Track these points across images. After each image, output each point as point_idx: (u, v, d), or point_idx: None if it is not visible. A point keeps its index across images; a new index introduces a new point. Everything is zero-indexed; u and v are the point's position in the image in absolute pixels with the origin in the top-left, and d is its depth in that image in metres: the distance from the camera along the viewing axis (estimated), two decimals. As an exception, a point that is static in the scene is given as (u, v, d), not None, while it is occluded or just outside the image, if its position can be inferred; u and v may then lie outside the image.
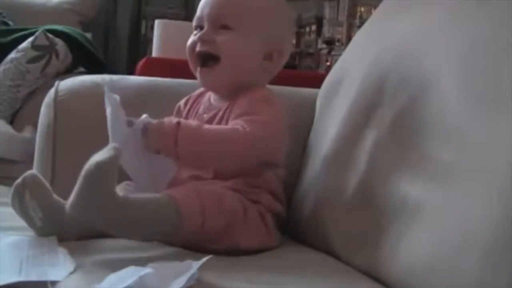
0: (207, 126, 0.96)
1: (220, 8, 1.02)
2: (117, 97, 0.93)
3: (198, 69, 1.03)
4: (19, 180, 0.91)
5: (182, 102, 1.12)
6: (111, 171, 0.82)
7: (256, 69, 1.04)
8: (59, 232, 0.91)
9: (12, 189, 0.91)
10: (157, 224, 0.87)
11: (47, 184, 0.93)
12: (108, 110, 0.93)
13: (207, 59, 1.02)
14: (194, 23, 1.05)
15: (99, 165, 0.81)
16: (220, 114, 1.02)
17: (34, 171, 0.93)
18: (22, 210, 0.91)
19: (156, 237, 0.90)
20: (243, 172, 0.99)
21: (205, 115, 1.04)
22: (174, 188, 0.92)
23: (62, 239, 0.90)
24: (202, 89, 1.11)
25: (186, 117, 1.08)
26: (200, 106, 1.08)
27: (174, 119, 0.94)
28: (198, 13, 1.04)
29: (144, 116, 0.94)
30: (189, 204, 0.88)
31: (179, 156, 0.92)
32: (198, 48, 1.02)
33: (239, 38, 1.01)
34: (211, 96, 1.08)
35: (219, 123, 1.01)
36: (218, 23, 1.01)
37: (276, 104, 1.01)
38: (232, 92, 1.03)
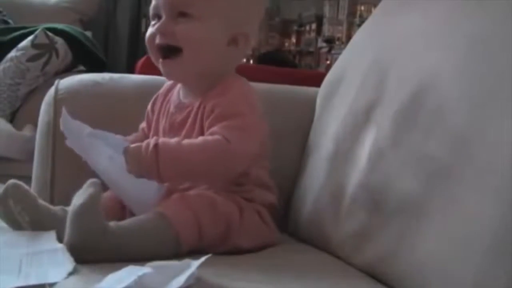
0: (186, 141, 0.91)
1: None
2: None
3: (160, 60, 0.99)
4: (0, 190, 0.90)
5: (149, 106, 1.08)
6: (95, 208, 0.81)
7: (222, 56, 0.99)
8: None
9: None
10: (154, 246, 0.85)
11: (31, 191, 0.92)
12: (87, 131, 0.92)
13: (169, 51, 0.97)
14: (150, 11, 0.99)
15: (82, 207, 0.81)
16: (193, 112, 0.98)
17: (15, 180, 0.91)
18: (8, 216, 0.89)
19: (156, 258, 0.89)
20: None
21: (177, 116, 1.00)
22: (163, 202, 0.90)
23: None
24: (168, 84, 1.07)
25: (158, 119, 1.04)
26: (170, 104, 1.03)
27: (151, 141, 0.89)
28: (153, 1, 0.98)
29: (118, 137, 0.93)
30: (183, 219, 0.87)
31: (164, 178, 0.89)
32: (157, 41, 0.97)
33: (199, 25, 0.95)
34: (180, 92, 1.03)
35: (193, 123, 0.97)
36: (176, 10, 0.95)
37: (251, 97, 0.97)
38: (200, 82, 0.99)
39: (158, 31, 0.96)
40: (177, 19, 0.96)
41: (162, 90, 1.07)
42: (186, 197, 0.90)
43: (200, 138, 0.92)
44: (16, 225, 0.89)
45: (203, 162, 0.90)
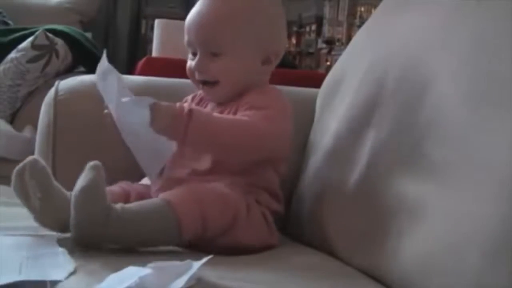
0: (217, 114, 0.98)
1: (204, 35, 1.01)
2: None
3: (201, 86, 1.05)
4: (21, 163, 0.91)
5: (189, 96, 1.12)
6: (98, 188, 0.83)
7: (256, 76, 1.05)
8: (56, 217, 0.89)
9: (13, 171, 0.90)
10: (156, 233, 0.87)
11: (48, 169, 0.92)
12: (113, 77, 0.94)
13: (208, 82, 1.03)
14: (186, 45, 1.05)
15: (85, 189, 0.82)
16: (226, 111, 1.02)
17: (35, 156, 0.92)
18: (21, 189, 0.89)
19: (156, 245, 0.90)
20: (242, 169, 0.99)
21: (212, 111, 1.04)
22: (173, 191, 0.92)
23: (60, 226, 0.89)
24: None
25: None
26: (207, 104, 1.08)
27: (185, 105, 0.94)
28: (186, 37, 1.04)
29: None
30: (187, 209, 0.88)
31: (187, 139, 0.92)
32: (197, 77, 1.03)
33: (232, 59, 1.01)
34: None
35: None
36: (208, 49, 1.02)
37: (283, 100, 1.03)
38: (236, 95, 1.03)
39: (196, 69, 1.03)
40: (211, 58, 1.02)
41: (199, 92, 1.11)
42: (199, 190, 0.92)
43: (229, 116, 0.98)
44: (27, 200, 0.89)
45: (229, 137, 0.94)
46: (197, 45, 1.02)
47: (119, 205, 0.86)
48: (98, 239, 0.84)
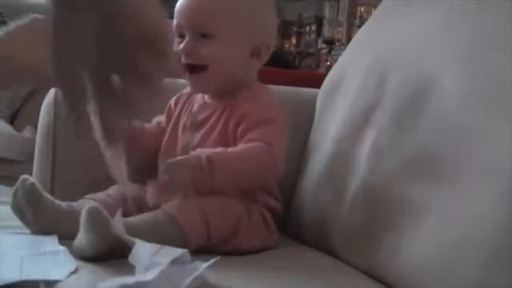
0: (231, 150, 0.95)
1: (196, 17, 0.99)
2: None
3: (187, 74, 1.02)
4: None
5: (172, 101, 1.10)
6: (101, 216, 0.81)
7: (245, 68, 1.03)
8: (49, 227, 0.90)
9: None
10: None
11: (38, 184, 0.93)
12: None
13: (195, 68, 1.00)
14: (174, 29, 1.02)
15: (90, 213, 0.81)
16: (217, 112, 1.01)
17: (26, 175, 0.93)
18: (16, 207, 0.92)
19: None
20: None
21: (200, 114, 1.03)
22: (174, 204, 0.91)
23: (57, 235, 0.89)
24: None
25: (179, 116, 1.06)
26: (193, 104, 1.06)
27: (202, 155, 0.91)
28: (175, 20, 1.02)
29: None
30: (191, 221, 0.88)
31: (215, 187, 0.91)
32: (183, 60, 1.00)
33: (222, 44, 0.99)
34: (204, 95, 1.06)
35: (216, 122, 1.00)
36: (198, 32, 0.99)
37: (276, 104, 1.01)
38: (223, 92, 1.02)
39: (183, 52, 0.99)
40: (201, 40, 0.99)
41: (185, 91, 1.09)
42: (199, 199, 0.91)
43: (243, 147, 0.95)
44: (22, 216, 0.92)
45: (252, 170, 0.94)
46: (187, 27, 0.99)
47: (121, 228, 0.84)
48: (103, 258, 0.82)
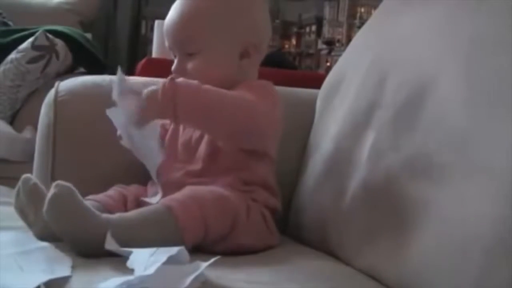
0: (208, 86, 0.95)
1: (178, 41, 1.04)
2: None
3: None
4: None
5: None
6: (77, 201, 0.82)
7: (236, 70, 1.04)
8: (50, 228, 0.89)
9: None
10: (158, 240, 0.83)
11: (40, 184, 0.92)
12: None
13: None
14: (168, 50, 1.07)
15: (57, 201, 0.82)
16: None
17: (27, 174, 0.93)
18: (19, 207, 0.92)
19: None
20: (234, 165, 0.98)
21: None
22: (172, 196, 0.90)
23: (54, 236, 0.87)
24: None
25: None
26: None
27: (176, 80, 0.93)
28: (166, 42, 1.06)
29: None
30: (189, 216, 0.87)
31: (179, 116, 0.92)
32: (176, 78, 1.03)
33: (207, 57, 1.02)
34: None
35: None
36: (184, 51, 1.04)
37: (273, 92, 1.02)
38: None
39: (174, 72, 1.04)
40: (188, 57, 1.03)
41: None
42: (196, 191, 0.91)
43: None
44: (24, 216, 0.92)
45: (224, 104, 0.94)
46: (175, 48, 1.05)
47: (116, 215, 0.85)
48: (96, 252, 0.81)
